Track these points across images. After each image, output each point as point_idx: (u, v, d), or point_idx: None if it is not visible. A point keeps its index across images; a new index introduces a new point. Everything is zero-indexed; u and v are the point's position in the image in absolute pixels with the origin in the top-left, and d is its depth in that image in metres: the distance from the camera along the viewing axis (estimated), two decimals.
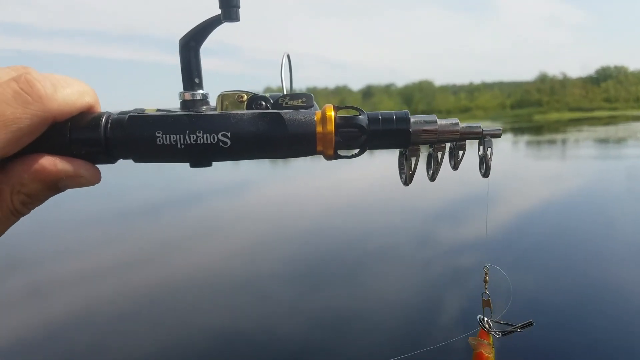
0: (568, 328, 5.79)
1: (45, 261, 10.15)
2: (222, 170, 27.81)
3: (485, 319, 1.04)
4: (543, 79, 69.92)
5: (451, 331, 5.71)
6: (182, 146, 0.72)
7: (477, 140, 0.88)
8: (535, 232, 10.31)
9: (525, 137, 36.77)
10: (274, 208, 14.85)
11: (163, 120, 0.72)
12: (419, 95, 69.43)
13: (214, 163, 0.78)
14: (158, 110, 0.78)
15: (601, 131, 36.70)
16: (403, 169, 0.85)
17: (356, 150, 0.79)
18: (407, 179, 0.84)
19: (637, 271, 7.67)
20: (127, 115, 0.73)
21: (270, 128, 0.75)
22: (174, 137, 0.72)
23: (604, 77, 72.37)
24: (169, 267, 9.19)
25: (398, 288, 7.39)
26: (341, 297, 7.18)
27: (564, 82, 69.11)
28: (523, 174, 18.74)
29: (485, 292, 1.03)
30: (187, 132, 0.72)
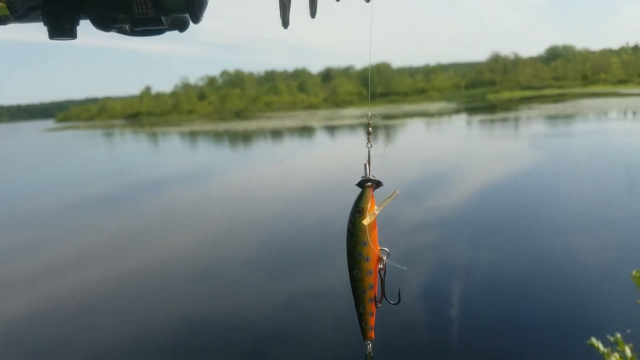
0: (524, 296, 6.11)
1: (2, 257, 9.84)
2: (183, 157, 27.38)
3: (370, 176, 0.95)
4: (496, 59, 71.48)
5: (415, 306, 5.94)
6: None
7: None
8: (491, 207, 10.72)
9: (479, 117, 37.68)
10: (237, 194, 14.79)
11: None
12: (378, 77, 69.73)
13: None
14: None
15: (551, 109, 38.01)
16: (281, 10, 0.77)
17: None
18: (284, 21, 0.77)
19: (585, 240, 8.13)
20: None
21: None
22: None
23: (553, 56, 74.65)
24: (132, 257, 9.07)
25: None
26: (308, 280, 7.30)
27: (516, 62, 70.84)
28: (477, 152, 19.30)
29: (369, 143, 0.94)
30: None
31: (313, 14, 0.78)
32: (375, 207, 0.94)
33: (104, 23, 0.73)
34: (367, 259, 0.95)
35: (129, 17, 0.72)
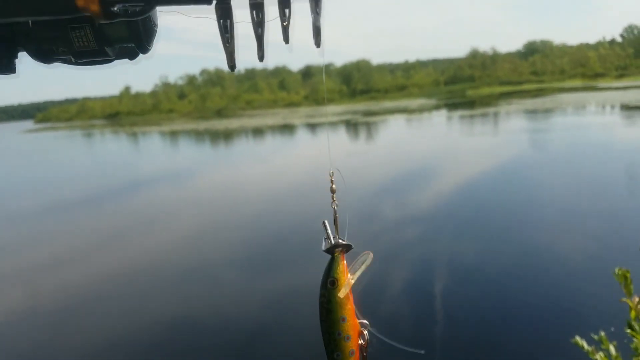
0: (507, 293, 6.14)
1: None
2: (164, 157, 27.08)
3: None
4: (474, 54, 72.20)
5: (398, 301, 5.92)
6: None
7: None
8: (472, 202, 10.77)
9: (459, 112, 37.95)
10: (219, 193, 14.66)
11: None
12: (358, 74, 69.94)
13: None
14: None
15: (530, 103, 38.45)
16: (225, 45, 0.70)
17: (138, 6, 0.62)
18: (230, 65, 0.71)
19: (568, 235, 8.21)
20: None
21: None
22: None
23: (531, 51, 75.63)
24: (113, 258, 8.91)
25: None
26: (292, 279, 7.24)
27: (494, 57, 71.63)
28: (458, 148, 19.43)
29: (334, 202, 0.83)
30: None
31: (318, 43, 0.71)
32: (349, 276, 0.82)
33: (44, 56, 0.68)
34: (348, 338, 0.83)
35: (70, 50, 0.67)
